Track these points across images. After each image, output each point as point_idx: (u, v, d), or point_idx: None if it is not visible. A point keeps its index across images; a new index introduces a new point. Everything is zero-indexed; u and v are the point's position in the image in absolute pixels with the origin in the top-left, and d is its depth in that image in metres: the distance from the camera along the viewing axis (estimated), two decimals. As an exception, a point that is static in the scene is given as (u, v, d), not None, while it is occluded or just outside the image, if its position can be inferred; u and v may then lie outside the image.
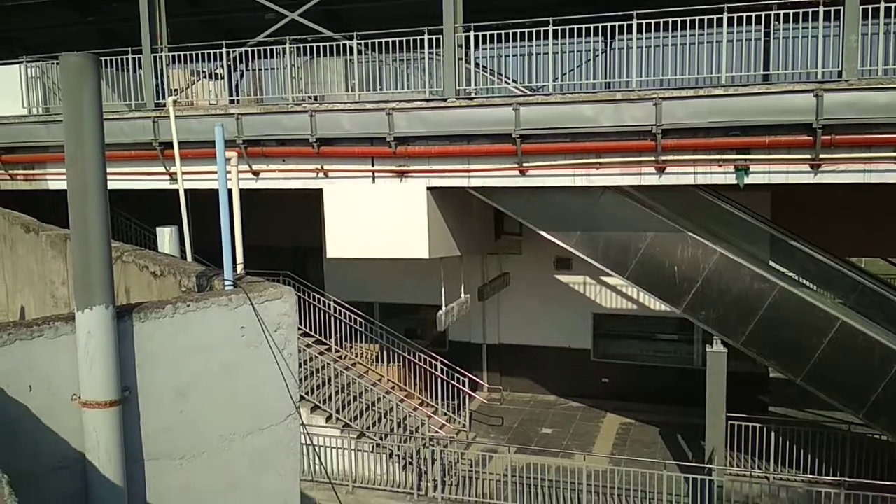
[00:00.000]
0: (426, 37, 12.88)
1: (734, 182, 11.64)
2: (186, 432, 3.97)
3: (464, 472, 14.85)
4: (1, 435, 3.17)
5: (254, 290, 4.21)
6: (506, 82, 14.63)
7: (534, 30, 12.56)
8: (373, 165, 13.44)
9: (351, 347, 18.21)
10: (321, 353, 16.53)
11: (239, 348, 4.14)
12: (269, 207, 16.52)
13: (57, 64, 15.56)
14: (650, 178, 12.06)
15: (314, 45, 13.89)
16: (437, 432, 15.83)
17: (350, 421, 15.44)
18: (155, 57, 14.81)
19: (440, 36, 12.85)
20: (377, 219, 13.30)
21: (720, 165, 11.67)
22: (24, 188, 16.15)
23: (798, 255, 13.83)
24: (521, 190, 12.89)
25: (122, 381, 3.67)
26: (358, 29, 13.65)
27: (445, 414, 17.12)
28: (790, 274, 13.50)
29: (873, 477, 12.95)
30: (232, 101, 15.24)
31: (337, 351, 17.71)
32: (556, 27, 12.31)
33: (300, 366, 15.10)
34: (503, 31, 12.73)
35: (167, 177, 14.65)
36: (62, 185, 14.93)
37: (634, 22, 11.85)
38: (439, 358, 17.18)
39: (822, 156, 11.06)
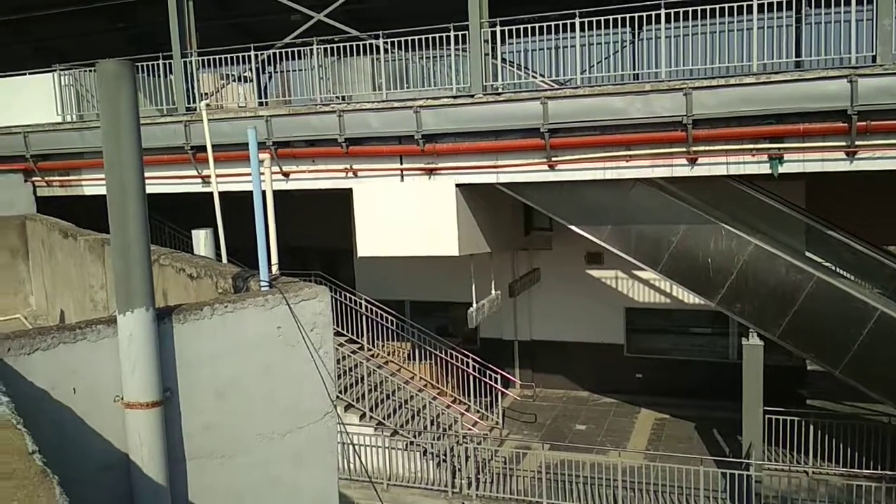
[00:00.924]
0: (452, 33, 12.86)
1: (768, 171, 11.46)
2: (227, 432, 4.01)
3: (497, 469, 14.82)
4: (48, 437, 3.22)
5: (289, 291, 4.25)
6: (533, 76, 14.57)
7: (560, 23, 12.47)
8: (401, 164, 13.47)
9: (383, 346, 18.27)
10: (353, 352, 16.62)
11: (276, 348, 4.18)
12: (299, 208, 16.64)
13: (89, 71, 15.84)
14: (682, 170, 11.92)
15: (341, 45, 13.96)
16: (469, 429, 15.83)
17: (383, 419, 15.51)
18: (185, 62, 14.99)
19: (466, 32, 12.83)
20: (407, 217, 13.33)
21: (753, 155, 11.50)
22: (60, 194, 16.45)
23: (835, 244, 13.60)
24: (550, 185, 12.83)
25: (164, 382, 3.72)
26: (384, 28, 13.69)
27: (478, 411, 17.11)
28: (827, 264, 13.27)
29: (917, 469, 12.69)
30: (261, 104, 15.37)
31: (369, 349, 17.79)
32: (582, 19, 12.22)
33: (334, 364, 15.22)
34: (529, 25, 12.67)
35: (199, 180, 14.82)
36: (97, 191, 15.19)
37: (662, 11, 11.72)
38: (471, 355, 17.17)
39: (857, 142, 10.85)
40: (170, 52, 15.05)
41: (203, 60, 15.25)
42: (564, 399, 19.15)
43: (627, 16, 12.11)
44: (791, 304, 11.99)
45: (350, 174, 13.79)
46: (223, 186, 11.85)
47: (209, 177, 10.73)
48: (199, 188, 14.90)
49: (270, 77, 17.41)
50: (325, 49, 14.11)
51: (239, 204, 8.09)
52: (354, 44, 13.86)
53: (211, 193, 7.58)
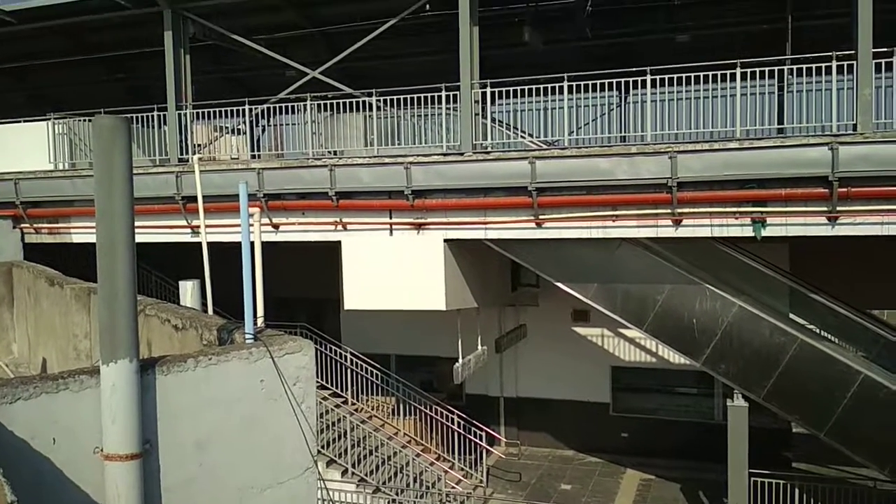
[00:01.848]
0: (443, 93, 13.13)
1: (751, 234, 11.63)
2: (206, 485, 3.99)
3: (481, 529, 14.58)
4: (26, 487, 3.20)
5: (274, 344, 4.27)
6: (522, 136, 14.83)
7: (549, 85, 12.77)
8: (390, 218, 13.59)
9: (367, 400, 18.11)
10: (337, 406, 16.47)
11: (259, 401, 4.19)
12: (287, 259, 16.69)
13: (83, 120, 16.01)
14: (667, 231, 12.08)
15: (334, 101, 14.20)
16: (453, 488, 15.61)
17: (366, 476, 15.28)
18: (180, 114, 15.19)
19: (457, 92, 13.10)
20: (394, 271, 13.38)
21: (737, 218, 11.68)
22: (49, 241, 16.43)
23: (818, 307, 13.71)
24: (537, 242, 12.95)
25: (144, 434, 3.71)
26: (377, 86, 13.96)
27: (462, 469, 16.90)
28: (811, 327, 13.36)
29: (903, 536, 12.58)
30: (253, 156, 15.54)
31: (353, 404, 17.63)
32: (570, 83, 12.52)
33: (316, 418, 15.04)
34: (519, 87, 12.95)
35: (189, 230, 14.87)
36: (86, 239, 15.17)
37: (648, 77, 12.02)
38: (456, 411, 17.04)
39: (839, 208, 11.05)
40: (165, 103, 15.26)
41: (198, 113, 15.46)
42: (550, 458, 18.96)
43: (615, 80, 12.42)
44: (775, 366, 12.03)
45: (339, 227, 13.88)
46: (212, 237, 11.91)
47: (199, 227, 10.79)
48: (188, 238, 14.94)
49: (264, 130, 17.66)
50: (319, 105, 14.35)
51: (227, 253, 8.15)
52: (347, 101, 14.11)
53: (199, 243, 7.63)
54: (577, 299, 13.42)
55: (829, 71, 11.36)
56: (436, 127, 14.01)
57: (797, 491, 13.73)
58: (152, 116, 15.36)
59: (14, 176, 16.07)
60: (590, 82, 12.58)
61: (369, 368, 17.72)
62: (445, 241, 13.22)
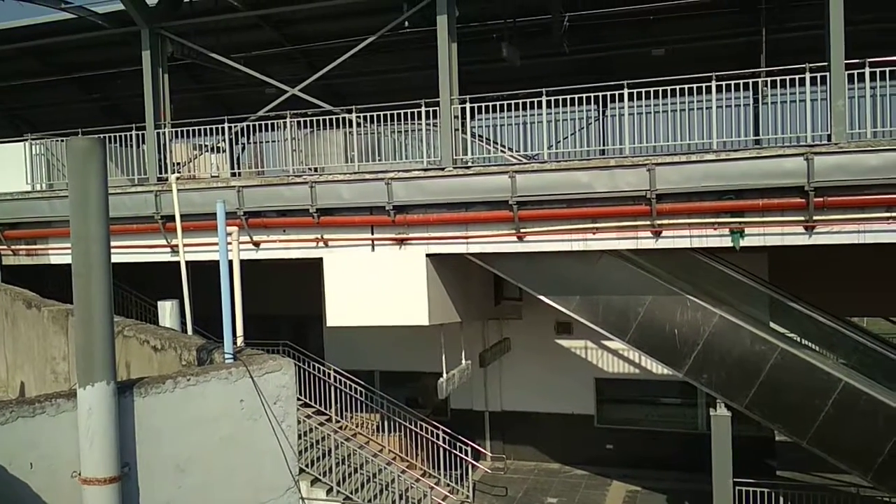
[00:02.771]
0: (423, 109, 13.19)
1: (730, 244, 11.74)
2: (186, 508, 3.95)
3: (468, 545, 14.50)
4: (1, 514, 3.17)
5: (253, 363, 4.25)
6: (502, 151, 14.91)
7: (528, 100, 12.86)
8: (372, 234, 13.59)
9: (351, 417, 18.01)
10: (321, 424, 16.35)
11: (238, 422, 4.16)
12: (268, 277, 16.61)
13: (61, 141, 15.91)
14: (647, 242, 12.17)
15: (314, 118, 14.22)
16: (440, 503, 15.53)
17: (351, 494, 15.17)
18: (158, 132, 15.13)
19: (437, 108, 13.16)
20: (377, 286, 13.36)
21: (715, 228, 11.79)
22: (26, 262, 16.27)
23: (798, 315, 13.82)
24: (519, 255, 12.99)
25: (122, 456, 3.68)
26: (357, 102, 13.99)
27: (448, 485, 16.82)
28: (791, 335, 13.47)
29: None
30: (233, 174, 15.49)
31: (337, 421, 17.52)
32: (549, 97, 12.62)
33: (300, 437, 14.93)
34: (498, 102, 13.04)
35: (169, 249, 14.77)
36: (64, 260, 15.03)
37: (626, 91, 12.14)
38: (441, 427, 16.98)
39: (815, 217, 11.19)
40: (143, 121, 15.20)
41: (177, 131, 15.41)
42: (536, 471, 18.92)
43: (593, 94, 12.53)
44: (756, 375, 12.11)
45: (321, 244, 13.85)
46: (192, 256, 11.87)
47: (177, 246, 10.74)
48: (167, 258, 14.84)
49: (243, 148, 17.62)
50: (299, 122, 14.36)
51: (207, 271, 8.10)
52: (328, 117, 14.13)
53: (178, 262, 7.59)
54: (560, 312, 13.47)
55: (803, 83, 11.53)
56: (416, 142, 14.05)
57: (782, 499, 13.80)
58: (131, 135, 15.29)
59: (-9, 197, 15.93)
60: (568, 96, 12.69)
61: (353, 385, 17.63)
62: (428, 255, 13.23)
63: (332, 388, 17.49)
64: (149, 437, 3.83)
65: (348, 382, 17.58)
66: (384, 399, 17.81)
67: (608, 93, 12.38)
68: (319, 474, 15.23)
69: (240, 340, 5.07)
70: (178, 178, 10.11)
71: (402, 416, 17.56)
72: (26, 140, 16.08)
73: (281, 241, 14.18)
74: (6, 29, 15.85)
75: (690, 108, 12.71)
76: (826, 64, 11.29)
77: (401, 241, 13.38)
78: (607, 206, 12.13)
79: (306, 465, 15.08)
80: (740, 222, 11.62)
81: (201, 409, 4.00)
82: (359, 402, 17.86)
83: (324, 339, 19.85)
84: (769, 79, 12.65)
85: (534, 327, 18.61)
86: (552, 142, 13.31)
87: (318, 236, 13.83)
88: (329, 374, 17.54)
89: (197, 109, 17.08)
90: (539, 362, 18.94)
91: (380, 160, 14.35)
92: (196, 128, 15.02)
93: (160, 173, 15.16)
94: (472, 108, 13.18)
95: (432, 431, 16.94)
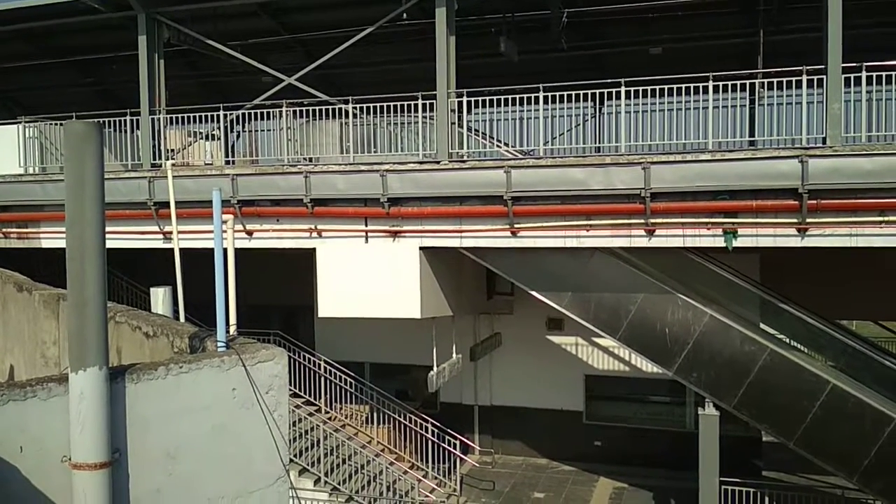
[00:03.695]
0: (420, 101, 13.16)
1: (723, 245, 11.77)
2: (176, 495, 3.94)
3: (454, 538, 14.54)
4: (-9, 497, 3.16)
5: (246, 352, 4.24)
6: (497, 145, 14.90)
7: (525, 95, 12.85)
8: (366, 225, 13.57)
9: (341, 408, 18.01)
10: (310, 415, 16.35)
11: (230, 410, 4.15)
12: (261, 266, 16.57)
13: (54, 124, 15.80)
14: (640, 241, 12.19)
15: (310, 108, 14.16)
16: (427, 496, 15.56)
17: (338, 484, 15.18)
18: (153, 118, 15.05)
19: (434, 101, 13.13)
20: (369, 278, 13.35)
21: (708, 228, 11.82)
22: (17, 246, 16.17)
23: (788, 317, 13.89)
24: (512, 251, 13.00)
25: (113, 442, 3.67)
26: (353, 93, 13.95)
27: (436, 477, 16.85)
28: (781, 336, 13.54)
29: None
30: (228, 162, 15.43)
31: (326, 412, 17.53)
32: (546, 93, 12.61)
33: (289, 427, 14.91)
34: (495, 97, 13.02)
35: (161, 236, 14.72)
36: (56, 244, 14.94)
37: (623, 89, 12.15)
38: (430, 420, 17.00)
39: (808, 220, 11.23)
40: (138, 107, 15.11)
41: (171, 117, 15.33)
42: (523, 466, 18.98)
43: (590, 91, 12.52)
44: (745, 375, 12.17)
45: (314, 234, 13.82)
46: (185, 243, 11.80)
47: (171, 233, 10.69)
48: (160, 244, 14.78)
49: (238, 136, 17.55)
50: (295, 111, 14.30)
51: (199, 258, 8.07)
52: (323, 107, 14.08)
53: (171, 249, 7.56)
54: (552, 308, 13.49)
55: (799, 85, 11.55)
56: (412, 135, 14.03)
57: (767, 499, 13.88)
58: (125, 121, 15.21)
59: (-18, 180, 15.82)
60: (565, 93, 12.68)
61: (343, 376, 17.63)
62: (421, 248, 13.23)
63: (322, 379, 17.49)
64: (140, 424, 3.82)
65: (338, 373, 17.59)
66: (374, 391, 17.83)
67: (605, 90, 12.38)
68: (307, 465, 15.24)
69: (233, 329, 5.06)
70: (172, 165, 10.06)
71: (392, 408, 17.58)
72: (19, 123, 15.97)
73: (274, 230, 14.14)
74: (0, 11, 15.70)
75: (686, 108, 12.72)
76: (823, 67, 11.31)
77: (394, 234, 13.36)
78: (602, 203, 12.15)
79: (294, 456, 15.08)
80: (733, 223, 11.65)
81: (193, 397, 3.99)
82: (348, 394, 17.87)
83: (315, 329, 19.84)
84: (765, 80, 12.65)
85: (525, 323, 18.64)
86: (548, 138, 13.31)
87: (312, 227, 13.80)
88: (319, 364, 17.54)
89: (192, 96, 16.99)
90: (529, 358, 18.98)
91: (375, 152, 14.33)
92: (191, 115, 14.95)
93: (154, 159, 15.08)
94: (468, 102, 13.16)
95: (421, 424, 16.97)
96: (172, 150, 15.84)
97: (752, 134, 13.42)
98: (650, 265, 13.06)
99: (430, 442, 16.80)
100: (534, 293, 13.34)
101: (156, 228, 14.71)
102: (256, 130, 16.61)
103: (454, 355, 16.20)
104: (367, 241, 13.58)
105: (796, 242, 11.48)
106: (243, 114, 15.18)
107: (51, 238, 15.56)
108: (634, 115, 12.72)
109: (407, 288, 13.21)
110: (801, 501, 14.13)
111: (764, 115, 13.26)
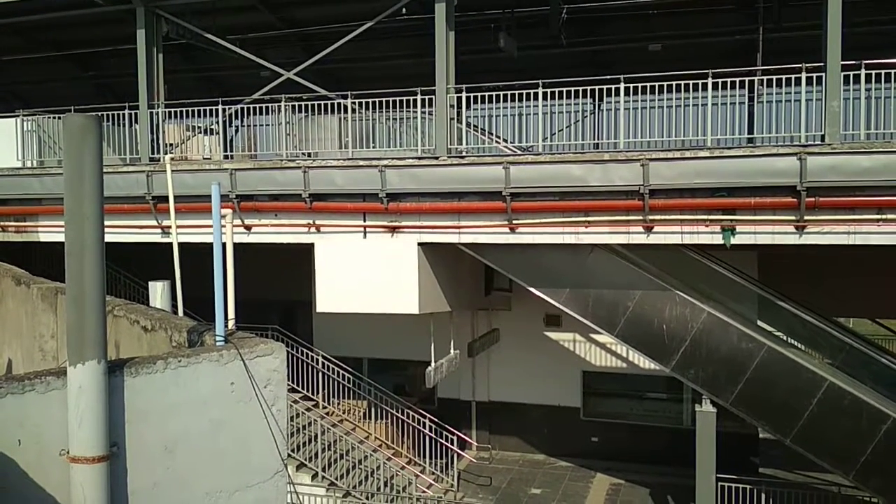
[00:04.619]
0: (419, 97, 13.14)
1: (721, 242, 11.78)
2: (173, 489, 3.95)
3: (451, 533, 14.57)
4: (-11, 490, 3.16)
5: (245, 346, 4.25)
6: (496, 141, 14.89)
7: (524, 91, 12.83)
8: (364, 221, 13.56)
9: (339, 403, 18.03)
10: (308, 410, 16.36)
11: (228, 404, 4.15)
12: (259, 261, 16.56)
13: (52, 117, 15.77)
14: (638, 237, 12.19)
15: (309, 103, 14.14)
16: (424, 492, 15.59)
17: (336, 479, 15.21)
18: (151, 112, 15.02)
19: (433, 96, 13.11)
20: (368, 274, 13.34)
21: (707, 225, 11.83)
22: (15, 240, 16.15)
23: (785, 314, 13.91)
24: (510, 247, 13.00)
25: (111, 436, 3.67)
26: (352, 88, 13.92)
27: (433, 473, 16.88)
28: (778, 334, 13.55)
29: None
30: (226, 157, 15.40)
31: (324, 407, 17.54)
32: (545, 89, 12.60)
33: (287, 422, 14.92)
34: (494, 93, 13.01)
35: (160, 230, 14.70)
36: (53, 237, 14.88)
37: (622, 85, 12.14)
38: (428, 415, 17.03)
39: (806, 217, 11.24)
40: (136, 101, 15.09)
41: (170, 112, 15.30)
42: (521, 462, 19.01)
43: (589, 88, 12.51)
44: (743, 372, 12.19)
45: (313, 229, 13.82)
46: (183, 237, 11.80)
47: (169, 227, 10.68)
48: (158, 238, 14.77)
49: (237, 130, 17.53)
50: (293, 106, 14.27)
51: (197, 253, 8.07)
52: (322, 102, 14.06)
53: (170, 244, 7.56)
54: (550, 304, 13.49)
55: (798, 82, 11.55)
56: (411, 130, 14.01)
57: (763, 496, 13.90)
58: (123, 115, 15.18)
59: (-20, 173, 15.78)
60: (564, 89, 12.67)
61: (341, 372, 17.64)
62: (419, 244, 13.22)
63: (320, 374, 17.50)
64: (138, 418, 3.82)
65: (336, 369, 17.60)
66: (372, 386, 17.84)
67: (604, 86, 12.37)
68: (305, 459, 15.26)
69: (231, 323, 5.06)
70: (171, 159, 10.04)
71: (390, 403, 17.60)
72: (17, 116, 15.93)
73: (273, 225, 14.13)
74: (-1, 3, 15.64)
75: (685, 105, 12.70)
76: (822, 64, 11.31)
77: (393, 229, 13.36)
78: (600, 199, 12.14)
79: (292, 450, 15.09)
80: (732, 220, 11.66)
81: (191, 391, 3.99)
82: (346, 389, 17.88)
83: (313, 324, 19.84)
84: (765, 77, 12.65)
85: (523, 319, 18.66)
86: (547, 134, 13.30)
87: (311, 222, 13.79)
88: (317, 359, 17.55)
89: (191, 90, 16.92)
90: (527, 354, 19.00)
91: (374, 147, 14.31)
92: (189, 109, 14.92)
93: (152, 154, 15.06)
94: (467, 98, 13.15)
95: (419, 420, 16.99)
96: (171, 145, 15.82)
97: (750, 131, 13.40)
98: (648, 262, 13.07)
99: (427, 437, 16.82)
100: (532, 289, 13.34)
101: (154, 223, 14.70)
102: (255, 125, 16.59)
103: (452, 351, 16.21)
104: (365, 236, 13.58)
105: (794, 240, 11.48)
106: (242, 108, 15.15)
107: (49, 232, 15.54)
108: (633, 112, 12.71)
109: (405, 283, 13.21)
110: (798, 498, 14.16)
111: (763, 112, 13.27)
